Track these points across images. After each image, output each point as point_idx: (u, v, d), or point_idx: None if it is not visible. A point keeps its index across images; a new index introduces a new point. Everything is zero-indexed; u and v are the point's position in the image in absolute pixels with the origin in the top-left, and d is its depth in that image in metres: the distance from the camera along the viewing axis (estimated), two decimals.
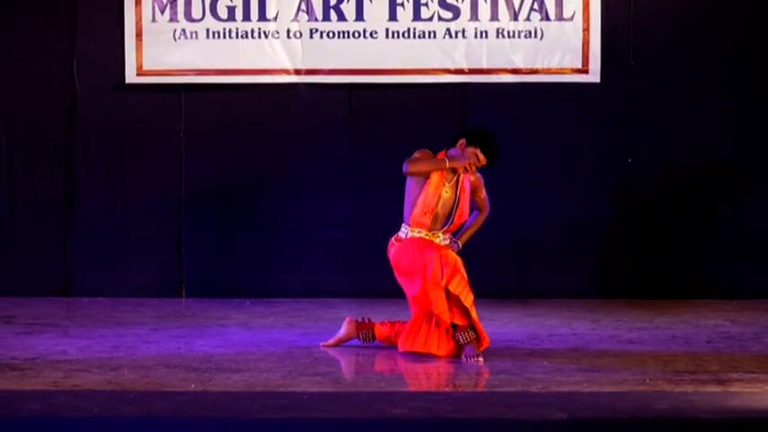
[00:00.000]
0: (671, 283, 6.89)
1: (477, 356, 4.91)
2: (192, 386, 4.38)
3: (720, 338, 5.54)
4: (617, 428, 3.65)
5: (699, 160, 6.93)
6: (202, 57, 6.85)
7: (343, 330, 5.25)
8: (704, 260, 6.89)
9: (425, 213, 5.04)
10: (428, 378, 4.78)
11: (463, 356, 4.94)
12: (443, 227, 5.10)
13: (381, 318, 5.37)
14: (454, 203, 5.08)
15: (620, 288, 6.89)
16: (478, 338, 4.98)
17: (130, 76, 6.87)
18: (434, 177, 5.03)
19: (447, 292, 4.91)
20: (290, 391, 4.25)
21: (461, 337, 4.94)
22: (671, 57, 6.89)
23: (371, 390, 4.43)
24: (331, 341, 5.27)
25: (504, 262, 6.90)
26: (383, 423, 3.66)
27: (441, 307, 4.91)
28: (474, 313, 4.95)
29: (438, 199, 5.05)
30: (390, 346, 5.19)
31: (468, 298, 4.92)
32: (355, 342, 5.25)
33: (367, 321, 5.25)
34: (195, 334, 5.62)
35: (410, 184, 5.09)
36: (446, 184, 5.07)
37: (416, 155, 5.04)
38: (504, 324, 5.94)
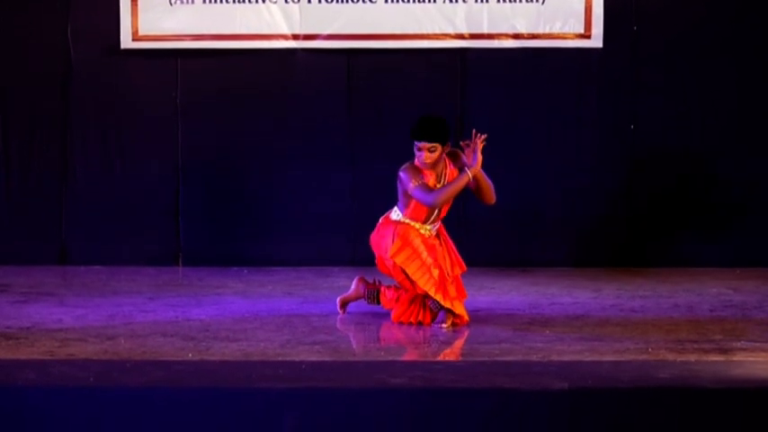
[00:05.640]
0: (674, 251, 6.86)
1: (444, 323, 4.94)
2: (190, 355, 4.36)
3: (723, 307, 5.53)
4: (619, 398, 3.64)
5: (702, 127, 6.86)
6: (199, 22, 6.77)
7: (353, 289, 5.30)
8: (707, 228, 6.85)
9: (422, 210, 5.06)
10: (428, 347, 4.75)
11: (434, 324, 4.99)
12: (435, 217, 5.11)
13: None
14: None
15: (622, 256, 6.85)
16: (452, 311, 4.97)
17: (126, 42, 6.80)
18: (430, 180, 5.02)
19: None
20: (288, 360, 4.23)
21: (433, 305, 4.98)
22: (675, 21, 6.83)
23: (370, 359, 4.42)
24: (339, 299, 5.30)
25: (505, 230, 6.87)
26: (382, 392, 3.64)
27: (398, 276, 5.00)
28: (430, 288, 4.89)
29: None
30: (392, 310, 5.16)
31: (416, 272, 4.89)
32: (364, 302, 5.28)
33: (377, 283, 5.26)
34: (192, 303, 5.60)
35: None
36: (438, 184, 5.06)
37: (421, 181, 4.93)
38: (504, 293, 5.92)
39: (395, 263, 4.96)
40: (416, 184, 4.95)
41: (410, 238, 4.97)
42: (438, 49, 6.76)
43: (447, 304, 4.94)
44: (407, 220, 5.06)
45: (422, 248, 4.96)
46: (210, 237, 6.94)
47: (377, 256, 5.15)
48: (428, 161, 4.98)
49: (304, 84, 6.85)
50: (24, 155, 6.90)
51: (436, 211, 5.09)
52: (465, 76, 6.81)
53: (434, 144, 4.96)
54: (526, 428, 3.57)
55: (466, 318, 5.01)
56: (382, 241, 5.09)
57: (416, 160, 5.02)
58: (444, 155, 5.03)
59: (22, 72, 6.90)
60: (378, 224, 5.19)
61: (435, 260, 4.96)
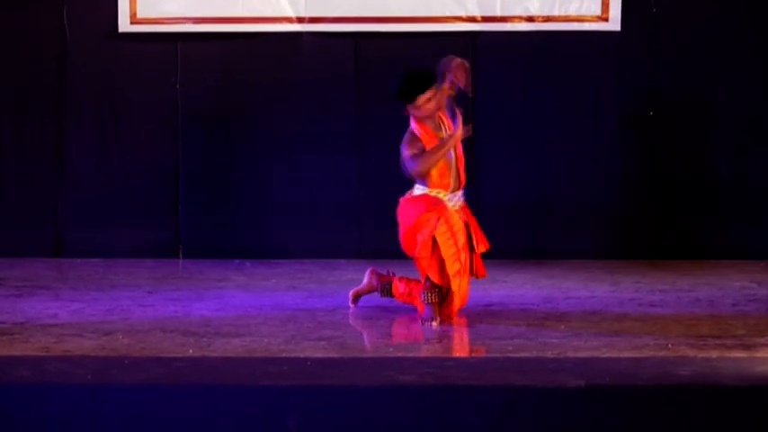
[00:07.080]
0: (695, 242, 6.77)
1: (432, 320, 4.83)
2: (190, 351, 4.32)
3: (747, 301, 5.45)
4: (637, 396, 3.56)
5: (725, 113, 6.78)
6: (200, 4, 6.72)
7: (365, 282, 5.21)
8: (730, 219, 6.77)
9: (444, 174, 4.95)
10: (438, 343, 4.69)
11: (420, 318, 4.89)
12: (455, 184, 4.99)
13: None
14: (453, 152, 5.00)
15: (640, 248, 6.77)
16: (442, 304, 4.87)
17: (124, 25, 6.74)
18: (431, 138, 4.92)
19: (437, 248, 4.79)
20: (292, 357, 4.19)
21: (425, 296, 4.87)
22: (695, 3, 6.76)
23: (378, 355, 4.38)
24: (352, 292, 5.23)
25: (519, 221, 6.84)
26: (390, 390, 3.57)
27: (422, 252, 4.81)
28: (452, 280, 4.79)
29: (451, 151, 4.98)
30: (405, 305, 5.10)
31: (449, 257, 4.77)
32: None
33: (390, 275, 5.18)
34: (193, 297, 5.55)
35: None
36: (443, 130, 4.97)
37: (415, 150, 4.87)
38: (518, 286, 5.87)
39: (428, 238, 4.76)
40: (411, 152, 4.88)
41: (452, 222, 4.82)
42: (449, 32, 6.71)
43: (451, 306, 4.83)
44: (435, 192, 4.91)
45: (459, 236, 4.83)
46: (212, 228, 6.89)
47: (405, 227, 4.92)
48: (432, 107, 4.90)
49: (309, 68, 6.80)
50: (18, 143, 6.86)
51: (456, 176, 4.94)
52: (476, 61, 6.71)
53: (430, 91, 4.89)
54: (540, 427, 3.51)
55: (455, 315, 4.89)
56: (415, 211, 4.89)
57: (419, 117, 4.90)
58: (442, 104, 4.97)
59: (15, 57, 6.84)
60: (402, 201, 5.01)
61: (458, 250, 4.83)
